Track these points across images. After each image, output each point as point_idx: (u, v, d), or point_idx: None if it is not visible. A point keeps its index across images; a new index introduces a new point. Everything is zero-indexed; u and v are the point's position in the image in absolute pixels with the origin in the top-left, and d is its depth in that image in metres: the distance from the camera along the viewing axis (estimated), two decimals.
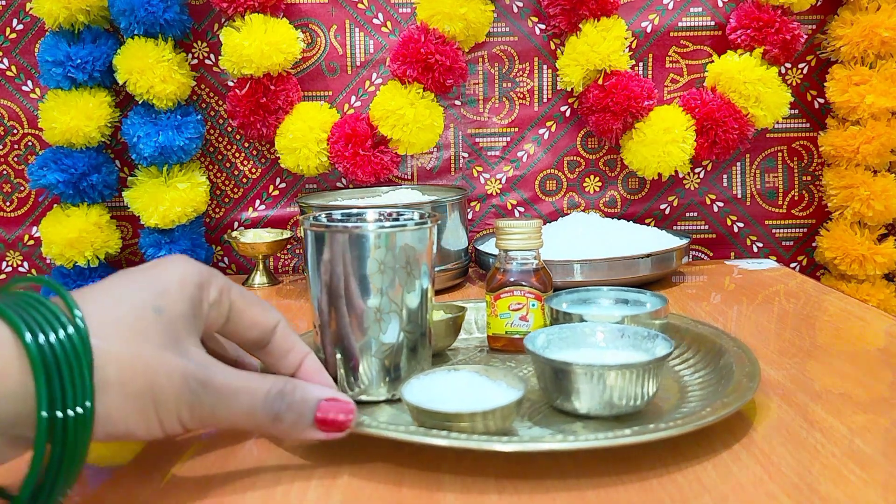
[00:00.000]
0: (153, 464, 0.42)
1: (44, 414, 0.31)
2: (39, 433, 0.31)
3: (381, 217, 0.52)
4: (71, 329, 0.32)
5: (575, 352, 0.48)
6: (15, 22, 0.95)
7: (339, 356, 0.47)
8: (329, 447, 0.42)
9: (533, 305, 0.57)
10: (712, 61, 0.93)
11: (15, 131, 0.97)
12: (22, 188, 0.98)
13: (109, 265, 0.96)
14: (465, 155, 0.98)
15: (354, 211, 0.52)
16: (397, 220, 0.51)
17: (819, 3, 0.93)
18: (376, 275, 0.46)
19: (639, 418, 0.44)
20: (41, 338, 0.31)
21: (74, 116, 0.88)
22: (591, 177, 0.98)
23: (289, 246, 0.99)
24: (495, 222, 0.59)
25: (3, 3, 0.95)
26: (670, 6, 0.94)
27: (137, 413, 0.34)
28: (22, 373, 0.31)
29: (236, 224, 0.99)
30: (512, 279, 0.57)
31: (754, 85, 0.88)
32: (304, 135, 0.90)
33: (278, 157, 0.93)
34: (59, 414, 0.31)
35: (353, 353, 0.47)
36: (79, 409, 0.31)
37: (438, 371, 0.46)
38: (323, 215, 0.50)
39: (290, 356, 0.41)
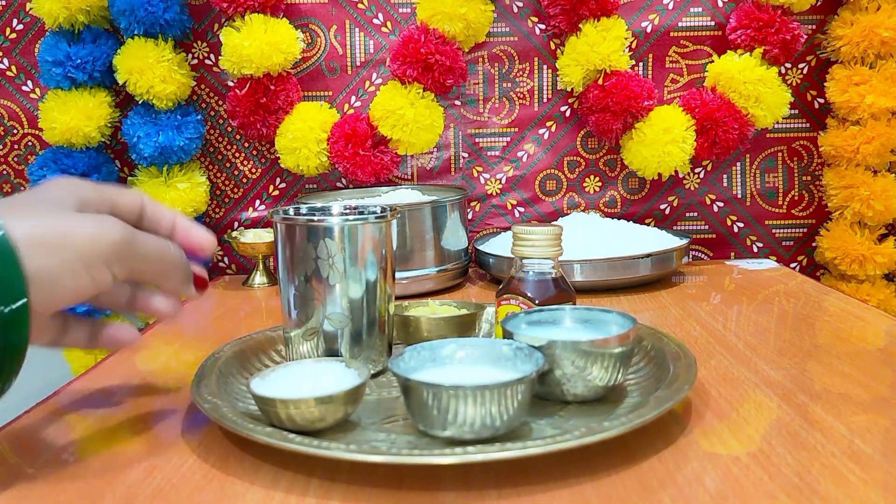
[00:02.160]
0: (152, 464, 0.42)
1: None
2: None
3: (343, 212, 0.56)
4: None
5: (437, 371, 0.44)
6: (15, 22, 0.95)
7: (290, 333, 0.53)
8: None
9: None
10: (712, 61, 0.93)
11: (15, 131, 0.97)
12: (22, 188, 0.98)
13: None
14: (465, 155, 0.98)
15: (318, 206, 0.58)
16: (361, 214, 0.54)
17: (819, 3, 0.93)
18: (323, 262, 0.50)
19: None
20: None
21: (74, 116, 0.88)
22: (591, 177, 0.98)
23: None
24: (513, 227, 0.54)
25: (3, 3, 0.95)
26: (670, 6, 0.94)
27: (59, 262, 0.37)
28: None
29: (236, 224, 0.99)
30: (526, 289, 0.52)
31: (754, 85, 0.88)
32: (304, 135, 0.90)
33: (278, 157, 0.93)
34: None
35: (289, 332, 0.53)
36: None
37: (306, 361, 0.49)
38: (291, 209, 0.56)
39: (164, 222, 0.46)
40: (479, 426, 0.39)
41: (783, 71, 0.94)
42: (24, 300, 0.36)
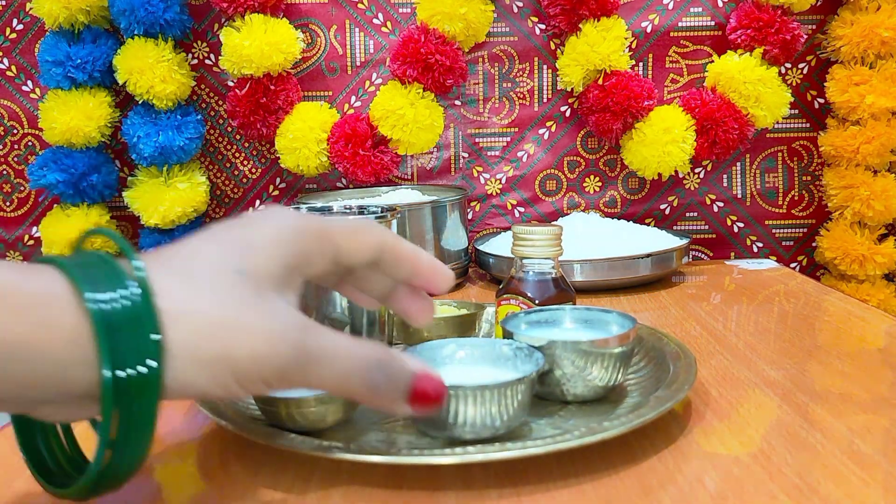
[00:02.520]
0: (152, 464, 0.42)
1: (107, 374, 0.29)
2: (105, 394, 0.29)
3: (343, 212, 0.56)
4: (133, 286, 0.30)
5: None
6: (15, 22, 0.95)
7: None
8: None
9: None
10: (712, 61, 0.93)
11: (15, 131, 0.97)
12: (22, 188, 0.98)
13: None
14: (465, 155, 0.98)
15: (318, 206, 0.58)
16: (360, 214, 0.55)
17: (819, 3, 0.93)
18: None
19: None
20: (102, 298, 0.29)
21: (74, 116, 0.88)
22: (591, 177, 0.98)
23: None
24: (513, 227, 0.54)
25: (3, 3, 0.95)
26: (670, 6, 0.94)
27: (211, 377, 0.31)
28: (89, 338, 0.29)
29: None
30: (526, 289, 0.52)
31: (754, 85, 0.88)
32: (304, 135, 0.90)
33: (278, 157, 0.93)
34: (122, 373, 0.29)
35: None
36: (141, 369, 0.29)
37: None
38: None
39: (403, 266, 0.38)
40: (479, 426, 0.39)
41: (783, 71, 0.94)
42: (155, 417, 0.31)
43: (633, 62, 0.94)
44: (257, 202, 0.99)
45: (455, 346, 0.46)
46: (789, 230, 0.99)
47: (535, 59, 0.96)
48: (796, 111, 0.96)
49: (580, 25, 0.90)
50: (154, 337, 0.30)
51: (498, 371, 0.44)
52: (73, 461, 0.35)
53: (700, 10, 0.94)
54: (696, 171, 0.98)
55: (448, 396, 0.39)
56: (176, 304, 0.31)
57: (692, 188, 0.98)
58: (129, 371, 0.29)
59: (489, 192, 0.99)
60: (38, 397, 0.30)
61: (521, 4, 0.95)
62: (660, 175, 0.92)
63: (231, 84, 0.92)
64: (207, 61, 0.96)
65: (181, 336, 0.30)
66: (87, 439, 0.33)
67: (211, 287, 0.32)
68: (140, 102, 0.90)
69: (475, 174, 0.98)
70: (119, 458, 0.30)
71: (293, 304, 0.34)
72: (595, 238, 0.83)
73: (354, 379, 0.34)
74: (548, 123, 0.97)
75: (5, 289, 0.29)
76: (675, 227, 0.98)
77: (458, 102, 0.97)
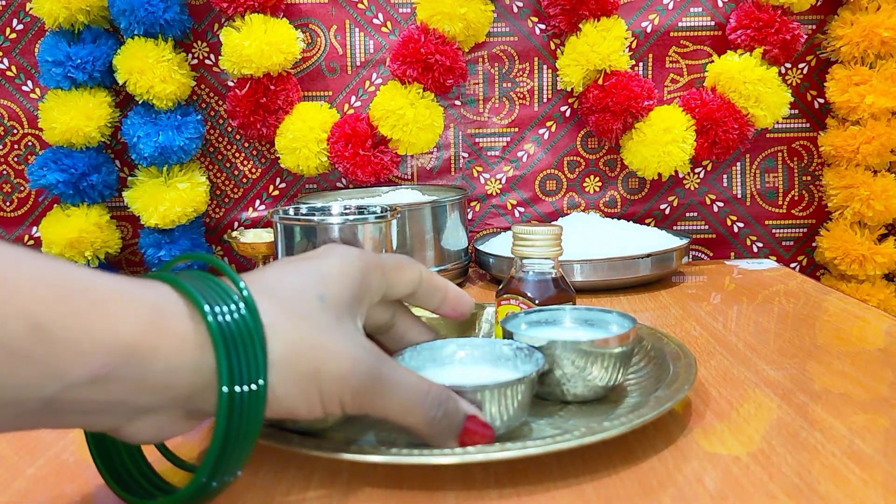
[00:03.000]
0: (155, 462, 0.42)
1: (224, 389, 0.30)
2: (221, 408, 0.30)
3: (343, 212, 0.56)
4: (242, 305, 0.32)
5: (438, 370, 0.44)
6: (15, 22, 0.95)
7: None
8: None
9: None
10: (712, 61, 0.93)
11: (15, 131, 0.97)
12: (22, 188, 0.98)
13: (109, 265, 0.96)
14: (465, 155, 0.98)
15: (318, 206, 0.58)
16: (360, 214, 0.55)
17: (819, 3, 0.93)
18: None
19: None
20: (218, 311, 0.31)
21: (74, 116, 0.88)
22: (591, 177, 0.98)
23: None
24: (513, 227, 0.54)
25: (3, 3, 0.95)
26: (670, 6, 0.94)
27: (302, 393, 0.33)
28: (199, 346, 0.30)
29: (236, 224, 0.99)
30: (526, 289, 0.52)
31: (754, 85, 0.88)
32: (304, 135, 0.90)
33: (278, 157, 0.93)
34: (238, 389, 0.31)
35: None
36: (253, 386, 0.31)
37: None
38: (290, 209, 0.55)
39: (436, 295, 0.43)
40: None
41: (783, 71, 0.94)
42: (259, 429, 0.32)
43: (633, 62, 0.94)
44: (257, 202, 0.99)
45: (455, 346, 0.46)
46: (789, 230, 0.99)
47: (535, 59, 0.96)
48: (796, 111, 0.96)
49: (580, 25, 0.90)
50: (263, 353, 0.31)
51: (498, 371, 0.44)
52: (146, 476, 0.36)
53: (700, 10, 0.94)
54: (696, 171, 0.98)
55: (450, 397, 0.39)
56: (273, 322, 0.32)
57: (692, 188, 0.98)
58: (244, 388, 0.31)
59: (489, 192, 0.99)
60: (141, 404, 0.30)
61: (521, 4, 0.95)
62: (660, 175, 0.92)
63: (231, 84, 0.92)
64: (207, 61, 0.96)
65: (279, 352, 0.32)
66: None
67: (298, 309, 0.34)
68: (140, 102, 0.90)
69: (475, 174, 0.98)
70: (221, 468, 0.32)
71: (360, 328, 0.37)
72: (595, 238, 0.83)
73: (416, 412, 0.36)
74: (548, 123, 0.97)
75: (124, 294, 0.30)
76: (675, 227, 0.98)
77: (458, 102, 0.97)
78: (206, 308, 0.31)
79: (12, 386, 0.27)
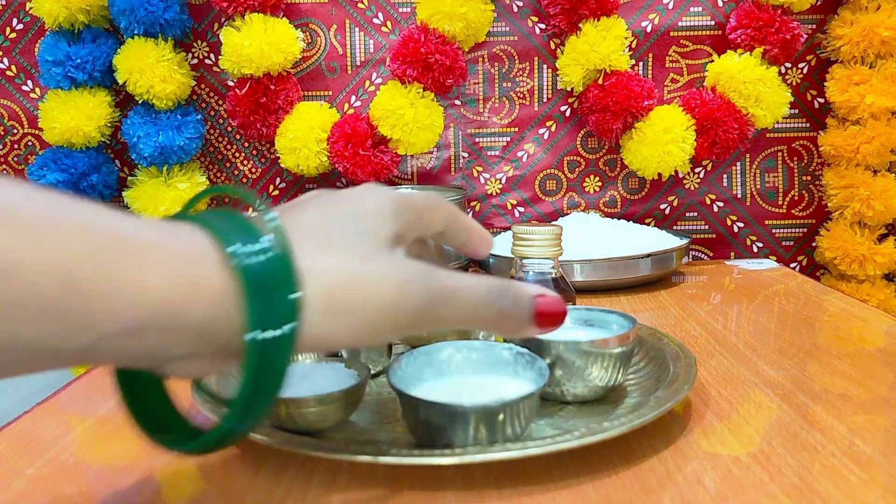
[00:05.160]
0: (152, 464, 0.42)
1: (252, 335, 0.29)
2: (249, 354, 0.30)
3: None
4: (274, 245, 0.30)
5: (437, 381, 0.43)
6: (15, 22, 0.95)
7: None
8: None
9: None
10: (712, 61, 0.93)
11: (15, 131, 0.97)
12: None
13: None
14: (465, 155, 0.98)
15: None
16: None
17: (819, 3, 0.93)
18: None
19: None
20: (248, 253, 0.30)
21: (74, 116, 0.88)
22: (591, 177, 0.98)
23: None
24: (513, 227, 0.54)
25: (3, 2, 0.95)
26: (670, 6, 0.94)
27: (346, 329, 0.32)
28: (232, 297, 0.29)
29: None
30: None
31: (754, 85, 0.88)
32: (304, 135, 0.90)
33: (278, 157, 0.93)
34: (267, 335, 0.30)
35: None
36: (284, 328, 0.30)
37: (306, 361, 0.47)
38: None
39: (462, 234, 0.42)
40: (484, 444, 0.39)
41: (783, 71, 0.94)
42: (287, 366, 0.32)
43: (633, 62, 0.94)
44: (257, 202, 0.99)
45: (452, 349, 0.45)
46: (789, 230, 0.99)
47: (535, 58, 0.96)
48: (796, 111, 0.96)
49: (580, 25, 0.90)
50: (294, 295, 0.30)
51: (499, 378, 0.44)
52: (174, 420, 0.35)
53: (700, 9, 0.94)
54: (696, 170, 0.98)
55: (451, 414, 0.38)
56: (307, 260, 0.31)
57: (692, 188, 0.98)
58: (273, 333, 0.30)
59: (489, 192, 0.99)
60: (176, 353, 0.30)
61: (521, 4, 0.95)
62: (660, 175, 0.92)
63: (231, 84, 0.92)
64: (207, 61, 0.96)
65: (316, 290, 0.31)
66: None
67: (334, 244, 0.32)
68: (140, 102, 0.90)
69: (475, 174, 0.98)
70: (248, 412, 0.31)
71: (403, 255, 0.36)
72: (595, 238, 0.83)
73: (484, 308, 0.35)
74: (548, 123, 0.97)
75: (157, 246, 0.29)
76: (675, 227, 0.98)
77: (458, 102, 0.97)
78: (236, 253, 0.30)
79: (45, 338, 0.26)
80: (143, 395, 0.34)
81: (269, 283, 0.30)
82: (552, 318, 0.37)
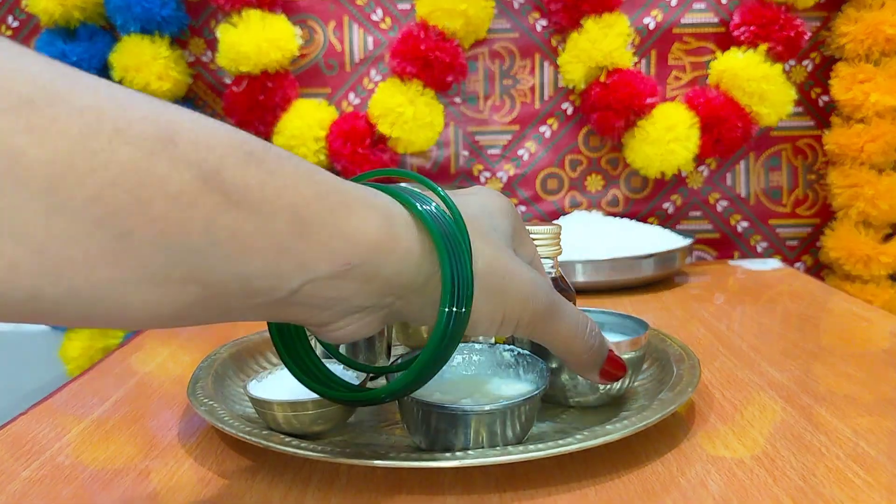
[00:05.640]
0: (148, 467, 0.41)
1: (446, 309, 0.32)
2: (439, 325, 0.32)
3: None
4: (454, 221, 0.33)
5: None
6: (10, 19, 0.95)
7: None
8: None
9: None
10: (716, 58, 0.92)
11: None
12: None
13: None
14: (466, 153, 0.98)
15: None
16: None
17: (823, 0, 0.92)
18: None
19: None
20: (430, 209, 0.32)
21: None
22: (594, 175, 0.98)
23: None
24: None
25: None
26: (673, 2, 0.93)
27: (490, 312, 0.34)
28: (420, 254, 0.31)
29: None
30: None
31: (758, 82, 0.87)
32: (301, 133, 0.90)
33: None
34: (455, 309, 0.32)
35: None
36: (464, 309, 0.32)
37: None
38: None
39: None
40: (485, 448, 0.38)
41: (787, 68, 0.93)
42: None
43: (636, 59, 0.94)
44: None
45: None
46: (794, 230, 0.98)
47: (537, 55, 0.95)
48: (800, 109, 0.96)
49: (582, 22, 0.89)
50: (471, 277, 0.32)
51: (500, 381, 0.43)
52: (326, 375, 0.38)
53: (703, 6, 0.93)
54: (700, 169, 0.97)
55: (451, 417, 0.38)
56: (473, 240, 0.33)
57: (695, 187, 0.97)
58: (461, 309, 0.32)
59: None
60: (359, 304, 0.31)
61: (522, 1, 0.94)
62: (663, 174, 0.91)
63: (228, 82, 0.92)
64: (204, 58, 0.95)
65: (480, 270, 0.33)
66: None
67: (487, 232, 0.35)
68: None
69: (476, 173, 0.98)
70: (423, 377, 0.34)
71: None
72: (597, 238, 0.82)
73: (579, 338, 0.37)
74: (549, 121, 0.97)
75: (364, 198, 0.31)
76: (678, 227, 0.97)
77: (458, 100, 0.96)
78: (426, 213, 0.32)
79: (268, 275, 0.28)
80: (297, 348, 0.37)
81: (458, 251, 0.32)
82: (617, 372, 0.39)
